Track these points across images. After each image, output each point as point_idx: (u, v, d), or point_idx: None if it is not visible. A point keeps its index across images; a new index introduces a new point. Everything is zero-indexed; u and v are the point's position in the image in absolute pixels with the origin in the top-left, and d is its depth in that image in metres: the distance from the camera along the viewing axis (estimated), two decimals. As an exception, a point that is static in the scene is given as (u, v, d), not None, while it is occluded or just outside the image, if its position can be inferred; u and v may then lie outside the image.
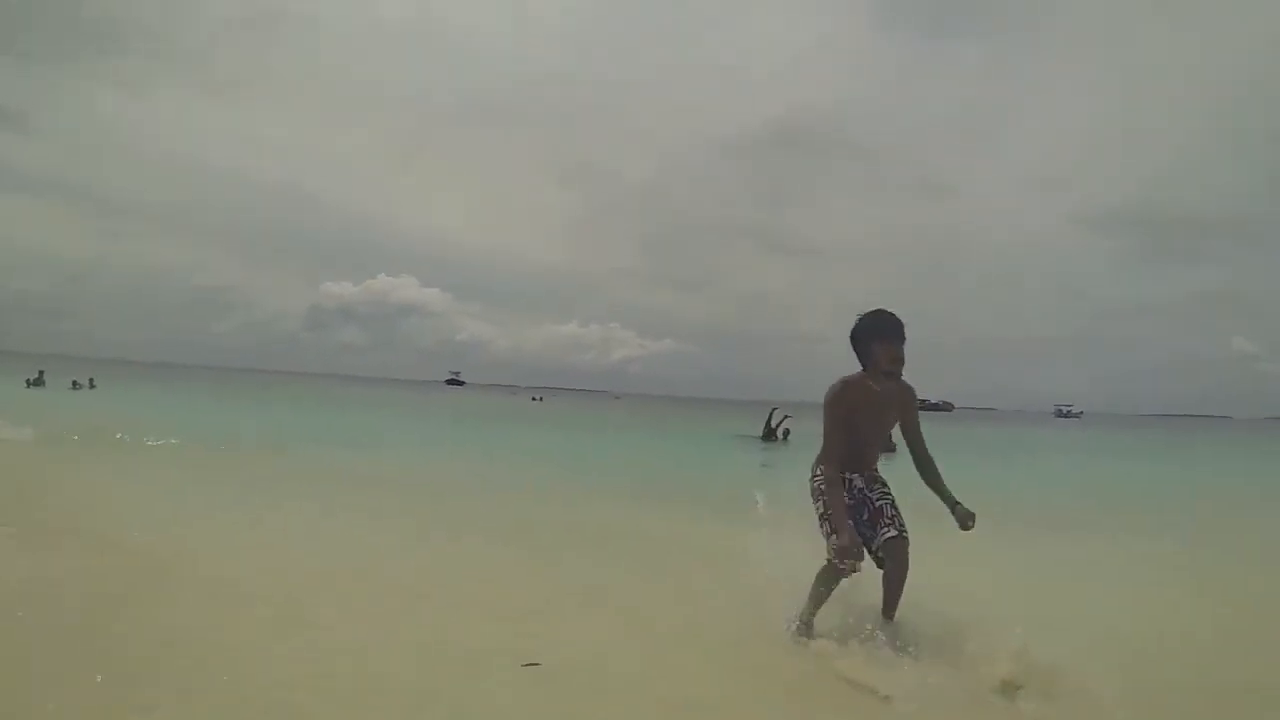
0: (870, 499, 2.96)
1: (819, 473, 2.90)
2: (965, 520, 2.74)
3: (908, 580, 2.86)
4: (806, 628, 2.86)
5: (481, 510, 6.41)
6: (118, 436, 10.42)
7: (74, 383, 27.49)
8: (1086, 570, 4.80)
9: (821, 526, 2.85)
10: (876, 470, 3.07)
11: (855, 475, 2.99)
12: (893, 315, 2.83)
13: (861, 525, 2.90)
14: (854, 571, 2.71)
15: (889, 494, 2.99)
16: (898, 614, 2.89)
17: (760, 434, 18.74)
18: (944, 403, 79.90)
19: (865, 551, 2.79)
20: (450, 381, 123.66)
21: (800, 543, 3.08)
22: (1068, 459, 19.41)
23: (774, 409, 19.50)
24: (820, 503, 2.86)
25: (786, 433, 18.37)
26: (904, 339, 2.82)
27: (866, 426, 2.90)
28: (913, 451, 3.02)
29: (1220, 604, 3.88)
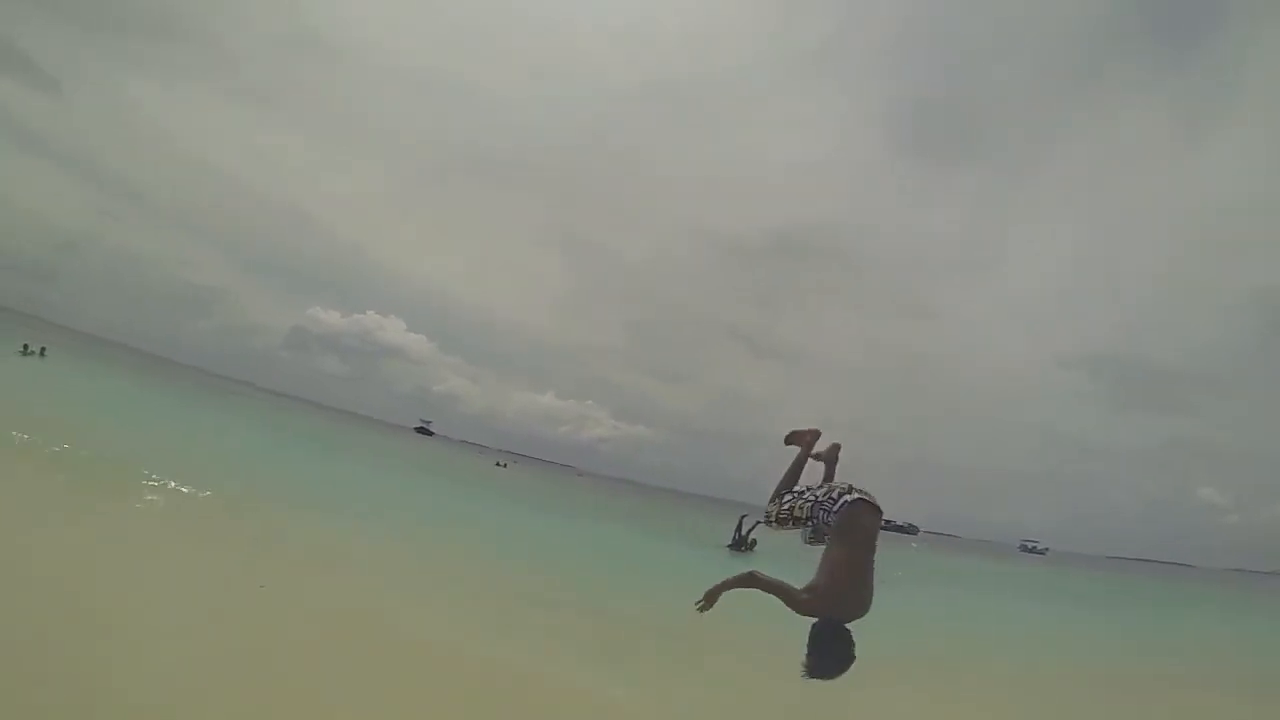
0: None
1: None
2: None
3: None
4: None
5: (387, 636, 5.63)
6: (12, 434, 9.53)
7: (25, 346, 26.18)
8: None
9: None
10: None
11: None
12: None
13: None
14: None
15: None
16: None
17: (729, 542, 17.86)
18: (909, 525, 79.24)
19: None
20: (420, 430, 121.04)
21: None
22: (1049, 607, 18.74)
23: (744, 515, 18.56)
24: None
25: (754, 542, 17.41)
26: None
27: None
28: None
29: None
